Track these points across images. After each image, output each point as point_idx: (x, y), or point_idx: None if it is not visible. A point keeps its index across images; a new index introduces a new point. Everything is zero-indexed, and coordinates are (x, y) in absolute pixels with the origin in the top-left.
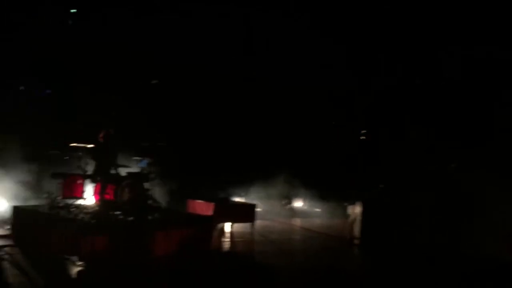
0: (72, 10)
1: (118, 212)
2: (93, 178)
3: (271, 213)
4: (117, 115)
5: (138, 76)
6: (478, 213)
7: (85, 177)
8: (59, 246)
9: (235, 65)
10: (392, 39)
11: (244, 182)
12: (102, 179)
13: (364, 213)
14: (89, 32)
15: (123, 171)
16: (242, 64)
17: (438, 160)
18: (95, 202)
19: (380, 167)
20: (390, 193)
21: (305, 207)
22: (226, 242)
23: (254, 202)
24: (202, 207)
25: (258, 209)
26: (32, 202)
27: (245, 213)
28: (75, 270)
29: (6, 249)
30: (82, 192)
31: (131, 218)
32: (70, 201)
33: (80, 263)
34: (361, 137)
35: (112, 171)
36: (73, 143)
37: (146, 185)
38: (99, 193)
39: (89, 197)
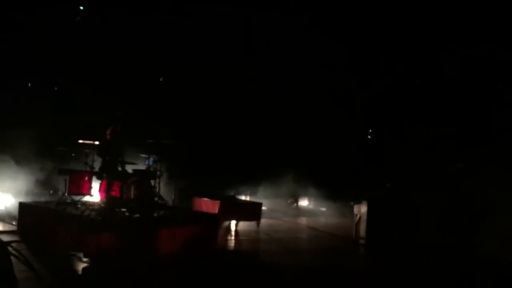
0: (80, 7)
1: (124, 209)
2: (99, 175)
3: (277, 211)
4: (122, 114)
5: (140, 76)
6: (485, 213)
7: (92, 173)
8: (65, 243)
9: (235, 65)
10: (392, 39)
11: (250, 181)
12: (108, 176)
13: (370, 212)
14: (89, 32)
15: (129, 168)
16: (242, 64)
17: (440, 160)
18: (101, 199)
19: (386, 167)
20: (396, 193)
21: (311, 206)
22: (232, 240)
23: (260, 200)
24: (208, 205)
25: (263, 208)
26: (39, 198)
27: (251, 211)
28: (81, 266)
29: (13, 244)
30: (89, 188)
31: (137, 215)
32: (76, 198)
33: (85, 259)
34: (368, 136)
35: (119, 168)
36: (80, 140)
37: (153, 182)
38: (105, 190)
39: (96, 193)
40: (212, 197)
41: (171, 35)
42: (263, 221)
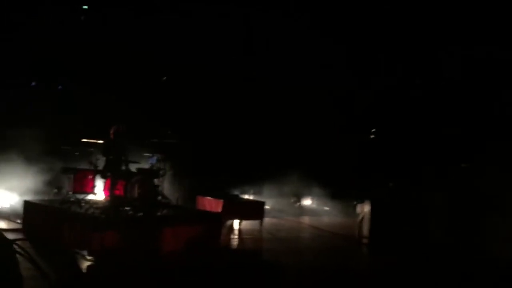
0: (83, 7)
1: (127, 208)
2: (103, 174)
3: (280, 211)
4: (125, 114)
5: (141, 76)
6: (489, 213)
7: (95, 172)
8: (70, 241)
9: (235, 65)
10: (392, 39)
11: (253, 180)
12: (112, 174)
13: (372, 212)
14: (89, 32)
15: (133, 167)
16: (242, 64)
17: (440, 160)
18: (105, 198)
19: (388, 166)
20: (398, 192)
21: (314, 206)
22: (235, 239)
23: (263, 199)
24: (211, 204)
25: (267, 207)
26: (44, 197)
27: (254, 210)
28: (85, 264)
29: (18, 242)
30: (93, 187)
31: (140, 214)
32: (80, 196)
33: (90, 257)
34: (371, 136)
35: (123, 167)
36: (83, 139)
37: (156, 181)
38: (109, 188)
39: (99, 192)
40: (215, 195)
41: (171, 35)
42: (266, 220)
